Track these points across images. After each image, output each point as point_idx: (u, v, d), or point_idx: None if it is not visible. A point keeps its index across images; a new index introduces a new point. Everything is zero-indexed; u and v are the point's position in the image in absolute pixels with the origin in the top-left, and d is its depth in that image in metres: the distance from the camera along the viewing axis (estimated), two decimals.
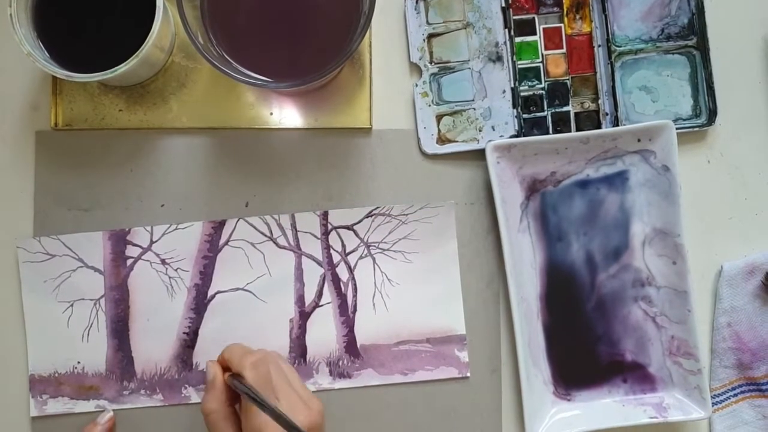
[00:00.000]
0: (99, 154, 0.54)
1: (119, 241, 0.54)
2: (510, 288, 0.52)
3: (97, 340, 0.53)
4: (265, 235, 0.54)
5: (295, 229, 0.54)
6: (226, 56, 0.48)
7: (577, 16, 0.55)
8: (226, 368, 0.48)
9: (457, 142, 0.54)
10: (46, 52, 0.49)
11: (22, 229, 0.54)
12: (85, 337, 0.53)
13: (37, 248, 0.53)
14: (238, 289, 0.54)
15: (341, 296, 0.54)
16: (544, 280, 0.54)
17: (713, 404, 0.54)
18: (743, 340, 0.55)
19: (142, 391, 0.53)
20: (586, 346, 0.54)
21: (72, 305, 0.53)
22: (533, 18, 0.55)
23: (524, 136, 0.54)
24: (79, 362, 0.53)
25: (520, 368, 0.52)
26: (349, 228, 0.54)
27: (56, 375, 0.53)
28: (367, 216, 0.54)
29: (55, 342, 0.53)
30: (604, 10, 0.55)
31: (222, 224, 0.54)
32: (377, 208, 0.54)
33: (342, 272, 0.54)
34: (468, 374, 0.54)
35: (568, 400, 0.54)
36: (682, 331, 0.53)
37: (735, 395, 0.55)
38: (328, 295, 0.54)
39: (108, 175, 0.54)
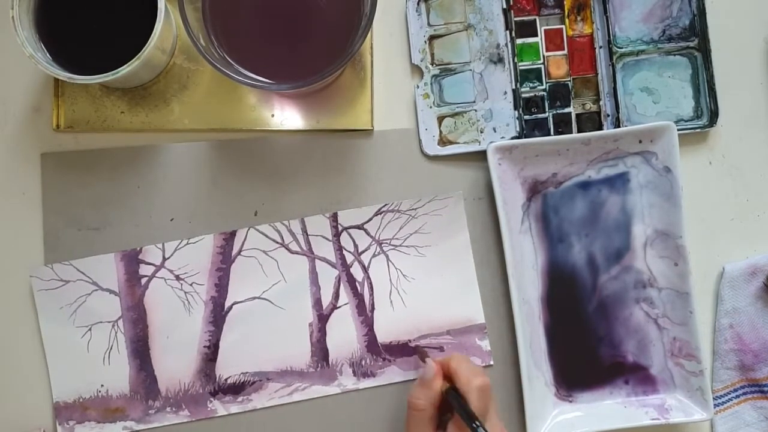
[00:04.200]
0: (105, 171, 0.54)
1: (132, 260, 0.54)
2: (511, 289, 0.52)
3: (118, 362, 0.53)
4: (277, 242, 0.54)
5: (306, 234, 0.54)
6: (227, 58, 0.48)
7: (579, 18, 0.55)
8: (445, 374, 0.48)
9: (458, 143, 0.54)
10: (48, 54, 0.49)
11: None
12: (106, 359, 0.53)
13: (51, 275, 0.53)
14: (254, 298, 0.54)
15: (358, 296, 0.54)
16: (545, 281, 0.54)
17: (715, 406, 0.54)
18: (745, 342, 0.55)
19: (168, 409, 0.53)
20: (588, 347, 0.54)
21: (90, 329, 0.53)
22: (534, 19, 0.55)
23: (525, 137, 0.54)
24: (102, 385, 0.53)
25: (521, 369, 0.52)
26: (359, 227, 0.54)
27: (81, 400, 0.53)
28: (377, 214, 0.54)
29: (77, 367, 0.53)
30: (605, 11, 0.55)
31: (233, 235, 0.54)
32: (386, 205, 0.54)
33: (356, 272, 0.54)
34: (491, 362, 0.54)
35: (570, 401, 0.54)
36: (684, 332, 0.53)
37: (737, 397, 0.55)
38: (344, 296, 0.54)
39: (116, 192, 0.54)
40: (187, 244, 0.54)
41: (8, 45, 0.52)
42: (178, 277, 0.54)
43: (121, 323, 0.53)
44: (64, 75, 0.47)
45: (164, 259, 0.54)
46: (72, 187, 0.54)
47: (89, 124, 0.54)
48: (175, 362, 0.53)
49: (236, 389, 0.53)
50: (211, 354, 0.54)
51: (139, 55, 0.47)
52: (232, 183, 0.54)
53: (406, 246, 0.54)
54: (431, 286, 0.54)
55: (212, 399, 0.53)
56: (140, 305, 0.54)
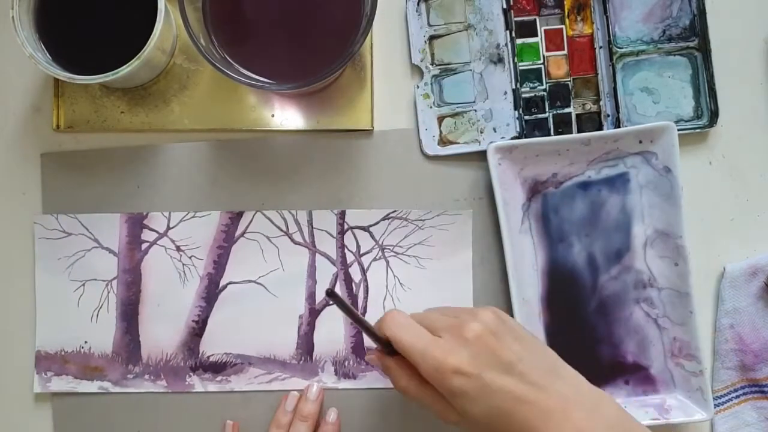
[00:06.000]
0: (105, 171, 0.54)
1: (136, 224, 0.54)
2: (511, 289, 0.52)
3: (106, 322, 0.54)
4: (281, 230, 0.54)
5: (312, 226, 0.54)
6: (227, 58, 0.48)
7: (579, 18, 0.55)
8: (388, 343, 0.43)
9: (458, 143, 0.54)
10: (48, 54, 0.49)
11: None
12: (94, 317, 0.54)
13: (54, 225, 0.53)
14: (250, 281, 0.54)
15: (352, 296, 0.54)
16: (545, 281, 0.54)
17: (715, 406, 0.54)
18: (746, 342, 0.55)
19: (147, 376, 0.53)
20: (588, 347, 0.54)
21: (84, 285, 0.54)
22: (534, 20, 0.55)
23: (525, 137, 0.54)
24: (86, 342, 0.53)
25: None
26: (365, 229, 0.54)
27: (62, 353, 0.53)
28: (384, 218, 0.54)
29: (64, 320, 0.53)
30: (605, 11, 0.55)
31: (239, 215, 0.54)
32: (395, 211, 0.54)
33: (355, 273, 0.54)
34: None
35: None
36: (684, 332, 0.53)
37: (737, 397, 0.55)
38: (339, 294, 0.54)
39: (116, 192, 0.54)
40: (194, 216, 0.54)
41: (8, 45, 0.52)
42: (178, 248, 0.54)
43: (114, 284, 0.54)
44: (64, 75, 0.47)
45: (168, 227, 0.54)
46: (72, 187, 0.54)
47: (89, 124, 0.54)
48: (162, 331, 0.54)
49: (217, 368, 0.54)
50: (198, 329, 0.54)
51: (139, 55, 0.47)
52: (232, 183, 0.54)
53: (408, 255, 0.54)
54: (426, 298, 0.54)
55: (192, 374, 0.54)
56: (137, 269, 0.54)
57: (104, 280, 0.54)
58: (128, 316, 0.54)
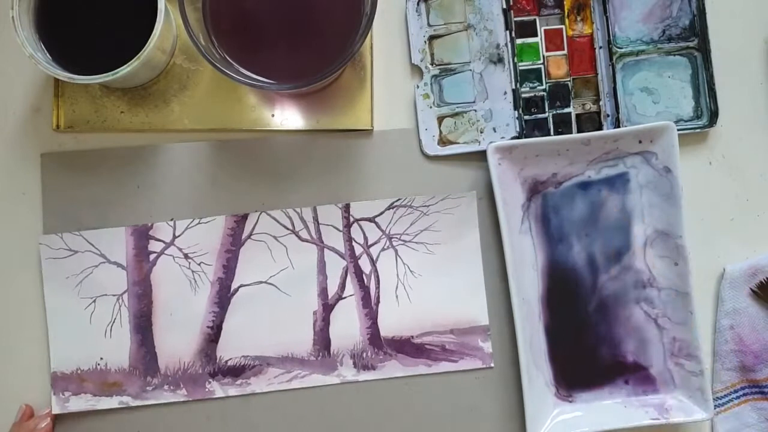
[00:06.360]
0: (105, 171, 0.54)
1: (142, 236, 0.54)
2: (511, 289, 0.52)
3: (120, 336, 0.53)
4: (288, 228, 0.54)
5: (317, 222, 0.54)
6: (227, 58, 0.48)
7: (578, 18, 0.55)
8: None
9: (458, 143, 0.54)
10: (48, 54, 0.49)
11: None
12: (108, 332, 0.53)
13: (60, 244, 0.53)
14: (261, 282, 0.54)
15: (364, 288, 0.54)
16: (545, 281, 0.54)
17: (715, 407, 0.54)
18: (745, 343, 0.55)
19: (166, 387, 0.53)
20: (588, 347, 0.54)
21: (94, 301, 0.53)
22: (534, 20, 0.55)
23: (525, 137, 0.54)
24: (102, 358, 0.53)
25: (521, 369, 0.52)
26: (370, 220, 0.54)
27: (79, 372, 0.53)
28: (389, 208, 0.54)
29: (78, 338, 0.53)
30: (605, 11, 0.55)
31: (244, 218, 0.54)
32: (398, 199, 0.54)
33: (364, 264, 0.54)
34: (492, 364, 0.54)
35: (570, 401, 0.54)
36: (684, 332, 0.53)
37: (737, 398, 0.55)
38: (350, 287, 0.54)
39: (116, 192, 0.54)
40: (199, 223, 0.54)
41: (8, 45, 0.52)
42: (186, 256, 0.54)
43: (125, 297, 0.53)
44: (64, 75, 0.47)
45: (174, 236, 0.54)
46: (72, 187, 0.54)
47: (89, 124, 0.54)
48: (177, 340, 0.53)
49: (236, 372, 0.53)
50: (213, 335, 0.54)
51: (139, 55, 0.47)
52: (232, 183, 0.54)
53: (416, 242, 0.54)
54: (438, 283, 0.54)
55: (211, 380, 0.53)
56: (146, 281, 0.54)
57: (115, 295, 0.53)
58: (142, 328, 0.53)
